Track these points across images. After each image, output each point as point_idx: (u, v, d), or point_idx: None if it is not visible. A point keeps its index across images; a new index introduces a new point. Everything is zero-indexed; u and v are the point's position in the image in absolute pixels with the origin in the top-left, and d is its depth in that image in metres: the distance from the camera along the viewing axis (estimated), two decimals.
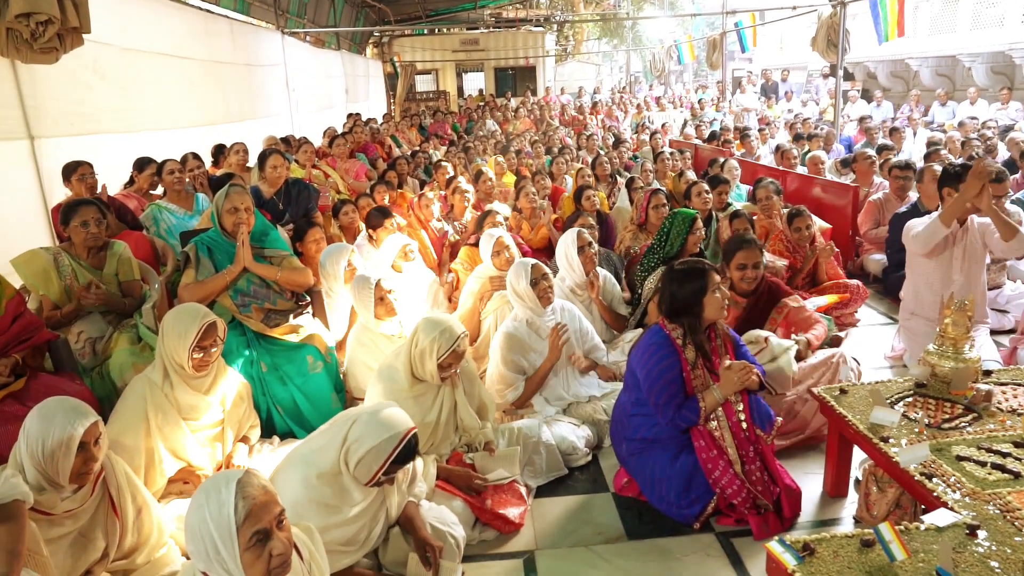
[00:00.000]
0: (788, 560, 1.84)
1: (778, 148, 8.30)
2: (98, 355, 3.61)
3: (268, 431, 3.39)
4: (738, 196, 6.98)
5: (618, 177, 7.83)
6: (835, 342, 4.32)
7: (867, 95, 15.25)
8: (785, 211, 5.11)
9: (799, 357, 3.38)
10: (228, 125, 8.90)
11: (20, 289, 3.38)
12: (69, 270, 3.66)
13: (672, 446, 2.91)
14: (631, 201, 6.52)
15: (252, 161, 6.88)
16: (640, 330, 4.30)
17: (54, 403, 2.25)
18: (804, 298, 4.41)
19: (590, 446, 3.44)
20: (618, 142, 9.99)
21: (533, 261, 3.69)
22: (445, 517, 2.67)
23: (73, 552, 2.24)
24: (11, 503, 1.87)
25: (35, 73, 5.06)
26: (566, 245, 4.20)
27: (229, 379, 3.08)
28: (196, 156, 6.17)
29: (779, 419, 2.93)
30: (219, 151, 7.86)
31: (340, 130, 10.32)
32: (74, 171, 5.05)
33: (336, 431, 2.38)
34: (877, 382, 2.98)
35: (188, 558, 2.61)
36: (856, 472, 3.02)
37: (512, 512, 2.93)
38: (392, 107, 20.38)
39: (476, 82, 26.93)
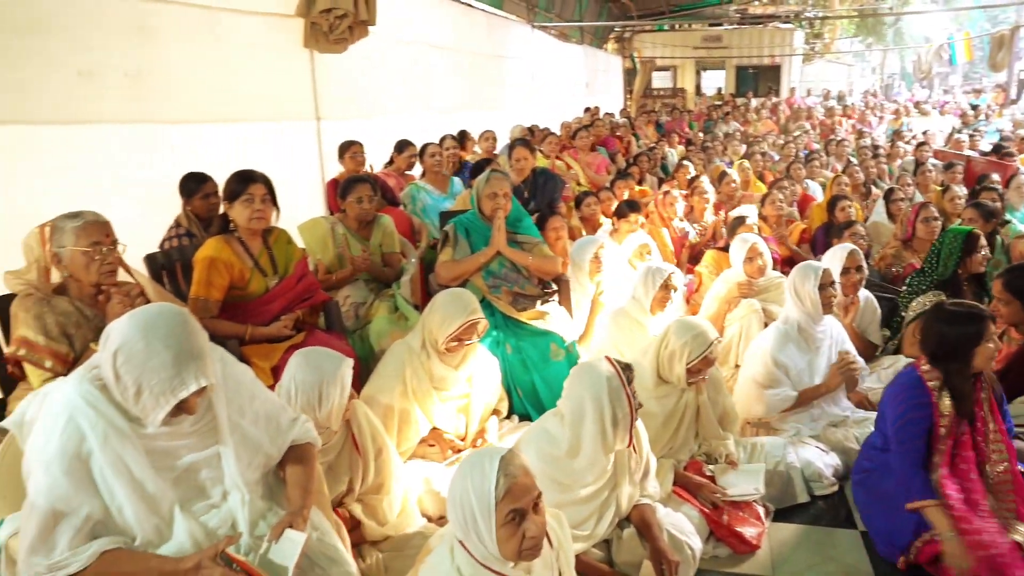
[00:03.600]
0: None
1: None
2: (360, 319, 3.93)
3: (509, 412, 3.50)
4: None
5: (873, 188, 7.18)
6: None
7: None
8: None
9: None
10: (478, 112, 9.35)
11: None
12: (342, 239, 4.01)
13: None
14: (889, 215, 5.94)
15: (499, 149, 7.17)
16: (900, 357, 3.91)
17: (315, 354, 2.44)
18: None
19: (837, 476, 3.17)
20: (876, 150, 9.16)
21: (823, 265, 3.49)
22: (683, 526, 2.59)
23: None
24: (304, 444, 2.07)
25: (325, 62, 5.63)
26: (831, 259, 3.91)
27: (480, 357, 3.20)
28: (453, 138, 6.53)
29: None
30: (463, 136, 8.25)
31: (577, 124, 10.45)
32: (347, 149, 5.55)
33: (564, 415, 2.43)
34: None
35: (428, 520, 2.80)
36: None
37: (749, 532, 2.78)
38: (628, 103, 20.34)
39: (715, 80, 26.09)
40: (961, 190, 6.12)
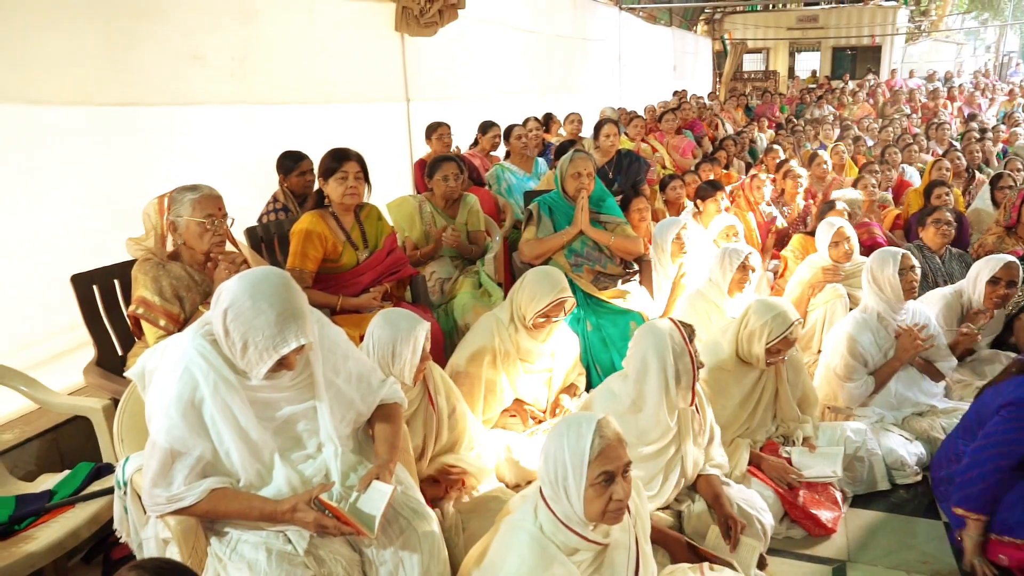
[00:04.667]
0: None
1: None
2: (445, 294, 4.06)
3: (586, 386, 3.56)
4: None
5: (978, 173, 6.83)
6: None
7: None
8: None
9: None
10: (564, 95, 9.38)
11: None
12: (430, 216, 4.15)
13: None
14: (994, 201, 5.66)
15: (585, 131, 7.19)
16: (1000, 353, 3.74)
17: (394, 313, 2.56)
18: None
19: (921, 465, 3.11)
20: (983, 132, 8.69)
21: (902, 250, 3.39)
22: (755, 502, 2.62)
23: None
24: (392, 404, 2.20)
25: (415, 44, 5.78)
26: (983, 267, 3.67)
27: (563, 333, 3.28)
28: (537, 120, 6.59)
29: None
30: (548, 118, 8.29)
31: (664, 106, 10.32)
32: (435, 131, 5.69)
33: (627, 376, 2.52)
34: None
35: (507, 486, 2.90)
36: None
37: (825, 515, 2.76)
38: (717, 86, 19.87)
39: (810, 62, 25.08)
40: None
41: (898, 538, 2.76)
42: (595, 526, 1.84)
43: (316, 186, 3.52)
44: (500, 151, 6.24)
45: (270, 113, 4.72)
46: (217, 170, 4.14)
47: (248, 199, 4.15)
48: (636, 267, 4.00)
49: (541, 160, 5.73)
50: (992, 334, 3.89)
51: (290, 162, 4.19)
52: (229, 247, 2.81)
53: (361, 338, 3.14)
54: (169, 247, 2.77)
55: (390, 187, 5.00)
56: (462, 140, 6.61)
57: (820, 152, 6.65)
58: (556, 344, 3.21)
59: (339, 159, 3.28)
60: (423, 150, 5.96)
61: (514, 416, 3.16)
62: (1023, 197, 4.81)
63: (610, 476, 1.77)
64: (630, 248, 3.85)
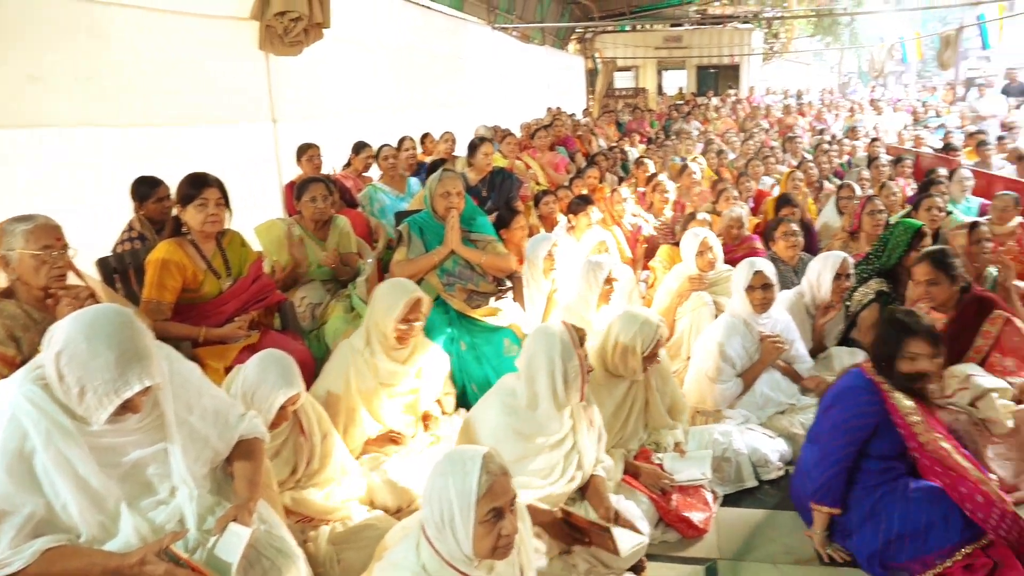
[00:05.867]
0: None
1: (1021, 157, 7.40)
2: (316, 320, 3.95)
3: (462, 406, 3.54)
4: (967, 210, 6.30)
5: (827, 184, 7.35)
6: None
7: None
8: None
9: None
10: (438, 113, 9.38)
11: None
12: (299, 240, 4.03)
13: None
14: (839, 210, 6.10)
15: (458, 150, 7.21)
16: (847, 349, 4.02)
17: (273, 361, 2.48)
18: None
19: (783, 461, 3.28)
20: (830, 146, 9.35)
21: (761, 267, 3.57)
22: (632, 511, 2.67)
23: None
24: (252, 439, 2.10)
25: (281, 64, 5.62)
26: (824, 264, 3.97)
27: (428, 352, 3.25)
28: (412, 139, 6.57)
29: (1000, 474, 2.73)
30: (423, 138, 8.27)
31: (538, 123, 10.53)
32: (304, 152, 5.56)
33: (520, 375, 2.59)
34: None
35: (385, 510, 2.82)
36: None
37: (697, 516, 2.86)
38: (590, 103, 20.48)
39: (676, 80, 26.37)
40: (902, 186, 6.33)
41: (764, 532, 2.90)
42: (480, 562, 1.81)
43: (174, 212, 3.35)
44: (376, 172, 6.16)
45: (122, 136, 4.46)
46: (64, 197, 3.88)
47: (101, 228, 3.90)
48: (509, 284, 4.03)
49: (415, 180, 5.71)
50: (837, 327, 4.17)
51: (145, 188, 3.97)
52: (74, 280, 2.62)
53: (227, 370, 3.03)
54: (2, 283, 2.55)
55: (259, 212, 4.81)
56: (337, 161, 6.49)
57: (691, 165, 6.97)
58: (420, 362, 3.17)
59: (198, 185, 3.14)
60: (294, 172, 5.81)
61: (381, 447, 3.08)
62: (863, 204, 5.22)
63: (499, 512, 1.76)
64: (502, 265, 3.88)
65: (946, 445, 2.54)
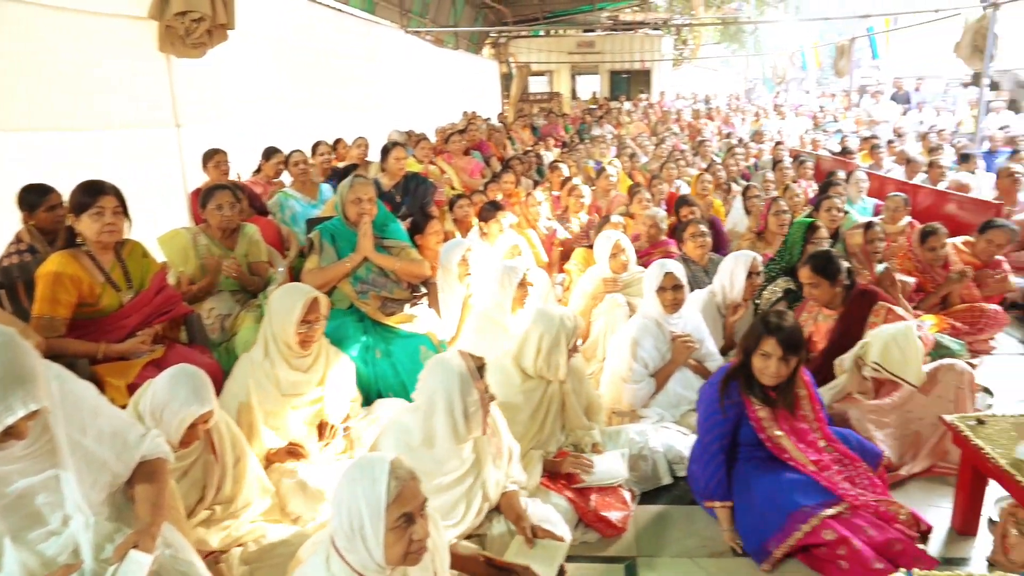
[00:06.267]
0: None
1: (909, 161, 7.86)
2: (226, 331, 3.82)
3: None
4: (863, 210, 6.65)
5: (734, 185, 7.62)
6: None
7: (1015, 106, 14.18)
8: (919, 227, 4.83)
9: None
10: (350, 116, 9.24)
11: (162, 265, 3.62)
12: (205, 249, 3.89)
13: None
14: (747, 211, 6.33)
15: (372, 155, 7.12)
16: None
17: (185, 377, 2.38)
18: (916, 317, 4.20)
19: None
20: (736, 149, 9.69)
21: (671, 269, 3.63)
22: (550, 516, 2.67)
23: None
24: (155, 460, 2.01)
25: (184, 66, 5.41)
26: (736, 264, 4.11)
27: (331, 359, 3.18)
28: (328, 144, 6.44)
29: (886, 453, 2.86)
30: (337, 143, 8.13)
31: (453, 128, 10.52)
32: (211, 158, 5.37)
33: (417, 407, 2.50)
34: (1021, 415, 2.76)
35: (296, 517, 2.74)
36: (991, 511, 2.81)
37: (615, 516, 2.90)
38: (505, 107, 20.60)
39: (590, 85, 26.83)
40: (804, 187, 6.63)
41: (681, 527, 2.96)
42: (392, 570, 1.78)
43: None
44: (288, 178, 6.01)
45: (9, 142, 4.19)
46: None
47: None
48: (424, 290, 4.00)
49: (327, 186, 5.59)
50: (747, 325, 4.32)
51: (34, 196, 3.73)
52: None
53: (130, 387, 2.89)
54: None
55: (163, 220, 4.62)
56: (245, 167, 6.29)
57: (608, 168, 7.08)
58: (322, 371, 3.11)
59: (92, 193, 2.98)
60: (200, 179, 5.59)
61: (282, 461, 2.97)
62: (768, 205, 5.43)
63: (409, 517, 1.73)
64: (416, 272, 3.84)
65: (787, 443, 2.73)
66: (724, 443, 2.78)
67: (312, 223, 4.44)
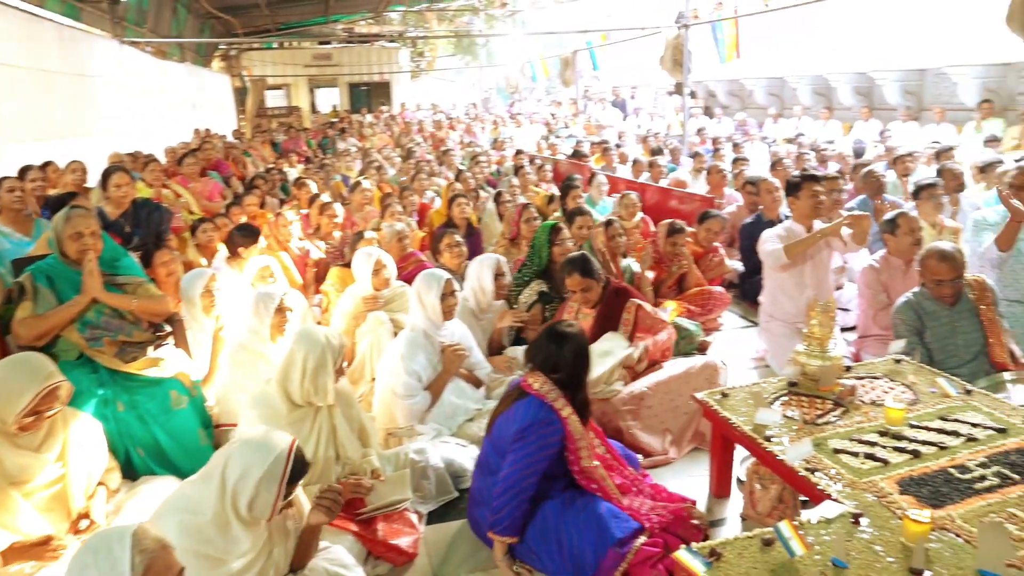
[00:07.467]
0: (697, 567, 1.87)
1: (635, 162, 8.66)
2: None
3: (128, 475, 3.05)
4: (603, 210, 7.19)
5: (481, 192, 7.85)
6: (703, 347, 4.53)
7: (708, 112, 16.28)
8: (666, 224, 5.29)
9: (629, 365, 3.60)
10: (59, 140, 8.16)
11: None
12: None
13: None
14: (500, 216, 6.56)
15: (91, 181, 6.33)
16: (519, 348, 4.26)
17: None
18: (659, 304, 4.72)
19: None
20: (479, 157, 10.02)
21: (447, 275, 3.66)
22: (341, 558, 2.49)
23: None
24: None
25: None
26: (481, 268, 4.17)
27: (71, 426, 2.68)
28: (40, 169, 5.59)
29: (640, 457, 3.14)
30: (46, 167, 7.09)
31: (185, 147, 9.72)
32: None
33: (210, 478, 2.16)
34: (754, 384, 3.12)
35: None
36: (739, 471, 3.14)
37: (404, 541, 2.82)
38: (242, 123, 19.52)
39: (330, 98, 26.37)
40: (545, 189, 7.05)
41: (473, 540, 2.91)
42: None
43: None
44: None
45: None
46: None
47: None
48: (169, 328, 3.58)
49: (45, 220, 4.83)
50: (511, 329, 4.46)
51: None
52: None
53: None
54: None
55: None
56: None
57: (364, 183, 6.92)
58: (60, 444, 2.62)
59: None
60: None
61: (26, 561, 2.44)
62: (519, 212, 5.65)
63: None
64: (156, 309, 3.42)
65: (601, 472, 2.66)
66: (537, 479, 2.60)
67: (20, 264, 3.77)
